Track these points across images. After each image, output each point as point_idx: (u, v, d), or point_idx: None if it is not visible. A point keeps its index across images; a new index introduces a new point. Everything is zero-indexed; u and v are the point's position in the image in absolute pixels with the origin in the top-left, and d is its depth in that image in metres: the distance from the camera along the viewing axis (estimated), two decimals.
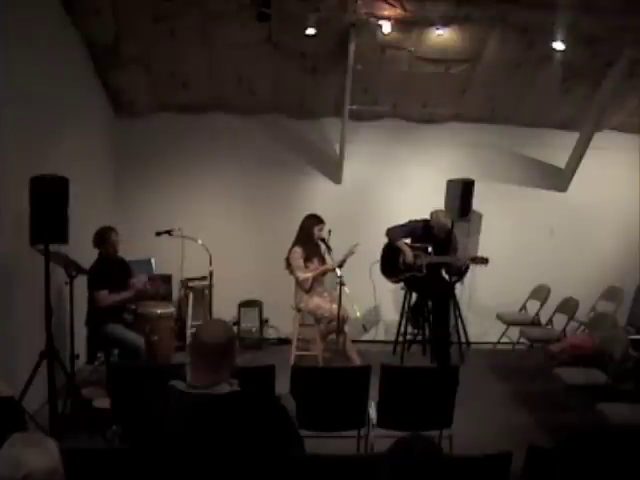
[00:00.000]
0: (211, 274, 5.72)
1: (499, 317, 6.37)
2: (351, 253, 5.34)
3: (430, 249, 5.85)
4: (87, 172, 5.53)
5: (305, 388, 3.44)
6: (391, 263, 6.01)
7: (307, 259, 5.55)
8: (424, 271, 5.83)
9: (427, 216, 6.01)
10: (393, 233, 5.97)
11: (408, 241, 5.97)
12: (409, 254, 5.86)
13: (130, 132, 6.54)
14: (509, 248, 6.70)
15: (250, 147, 6.72)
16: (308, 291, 5.57)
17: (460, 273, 6.24)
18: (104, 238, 4.95)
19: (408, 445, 1.81)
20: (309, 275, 5.52)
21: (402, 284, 6.21)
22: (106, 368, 4.47)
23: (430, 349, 6.06)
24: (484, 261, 5.67)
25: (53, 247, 4.03)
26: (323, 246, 5.49)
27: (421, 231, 5.96)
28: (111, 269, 4.93)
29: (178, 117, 6.57)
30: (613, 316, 5.77)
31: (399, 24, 5.43)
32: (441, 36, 5.57)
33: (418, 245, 5.91)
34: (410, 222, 6.01)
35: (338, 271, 5.01)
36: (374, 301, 6.57)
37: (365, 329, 6.66)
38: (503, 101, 6.52)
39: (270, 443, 2.03)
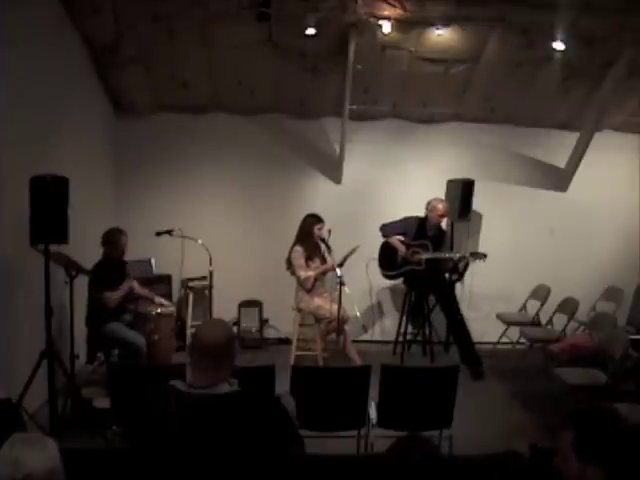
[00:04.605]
0: (211, 274, 5.71)
1: (499, 317, 6.37)
2: (352, 252, 5.34)
3: (430, 246, 5.86)
4: (87, 172, 5.53)
5: (305, 388, 3.44)
6: (389, 257, 6.01)
7: (308, 258, 5.55)
8: (423, 265, 5.83)
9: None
10: (387, 230, 6.00)
11: (402, 238, 5.97)
12: (402, 249, 5.89)
13: (130, 132, 6.54)
14: (509, 248, 6.70)
15: (250, 147, 6.72)
16: (310, 290, 5.56)
17: (458, 271, 6.23)
18: (107, 240, 4.98)
19: (406, 446, 1.81)
20: (311, 274, 5.51)
21: (402, 284, 6.22)
22: (106, 368, 4.47)
23: (459, 354, 5.78)
24: (483, 256, 5.71)
25: (53, 247, 4.03)
26: (323, 246, 5.49)
27: (415, 228, 5.98)
28: (109, 271, 4.93)
29: (178, 117, 6.57)
30: (613, 316, 5.77)
31: (399, 24, 5.44)
32: (441, 36, 5.57)
33: (417, 242, 5.91)
34: (405, 218, 6.03)
35: (338, 271, 5.00)
36: (374, 301, 6.56)
37: (365, 329, 6.65)
38: (503, 101, 6.52)
39: (270, 443, 2.03)
